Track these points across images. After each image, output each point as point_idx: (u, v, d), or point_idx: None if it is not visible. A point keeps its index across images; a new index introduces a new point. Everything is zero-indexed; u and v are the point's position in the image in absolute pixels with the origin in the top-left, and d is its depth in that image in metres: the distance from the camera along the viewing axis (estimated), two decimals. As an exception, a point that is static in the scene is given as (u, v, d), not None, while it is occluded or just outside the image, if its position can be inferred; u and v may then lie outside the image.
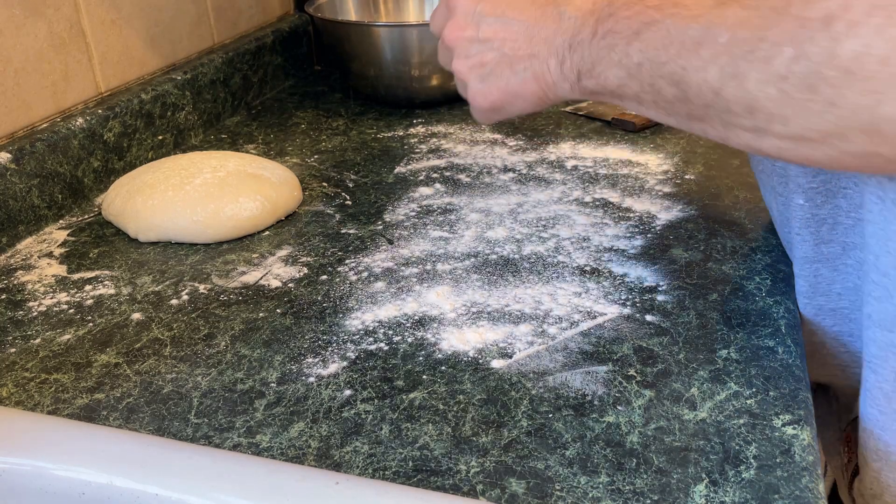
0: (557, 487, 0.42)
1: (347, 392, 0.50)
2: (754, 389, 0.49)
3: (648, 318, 0.56)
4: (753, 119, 0.41)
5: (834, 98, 0.37)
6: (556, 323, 0.56)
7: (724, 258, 0.63)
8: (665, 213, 0.71)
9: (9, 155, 0.69)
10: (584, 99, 0.53)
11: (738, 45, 0.39)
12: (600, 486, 0.42)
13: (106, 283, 0.64)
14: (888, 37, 0.34)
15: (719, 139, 0.44)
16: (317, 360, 0.53)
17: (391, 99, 1.01)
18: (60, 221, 0.74)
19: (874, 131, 0.37)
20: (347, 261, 0.66)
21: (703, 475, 0.43)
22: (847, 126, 0.37)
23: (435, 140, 0.90)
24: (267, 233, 0.71)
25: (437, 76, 0.97)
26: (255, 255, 0.67)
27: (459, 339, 0.55)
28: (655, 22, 0.44)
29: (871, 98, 0.36)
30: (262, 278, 0.63)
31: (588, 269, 0.63)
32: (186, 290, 0.62)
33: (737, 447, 0.44)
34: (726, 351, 0.53)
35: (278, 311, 0.59)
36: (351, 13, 1.14)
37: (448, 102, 1.01)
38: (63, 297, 0.62)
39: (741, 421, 0.46)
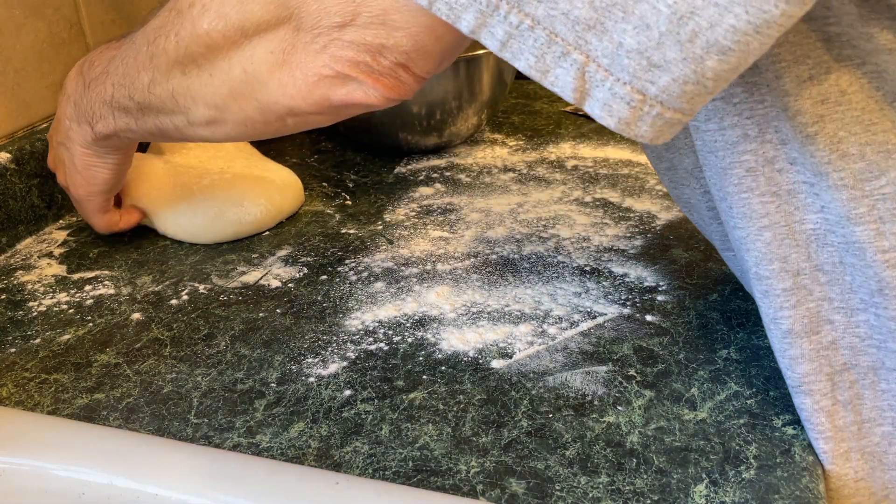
0: (557, 487, 0.42)
1: (347, 392, 0.50)
2: (754, 389, 0.49)
3: (648, 318, 0.56)
4: (177, 103, 0.48)
5: (210, 70, 0.45)
6: (556, 323, 0.56)
7: (724, 258, 0.63)
8: (665, 213, 0.71)
9: (9, 155, 0.69)
10: (109, 150, 0.60)
11: (150, 46, 0.48)
12: (600, 486, 0.42)
13: (106, 283, 0.64)
14: (222, 13, 0.43)
15: (180, 140, 0.53)
16: (317, 360, 0.53)
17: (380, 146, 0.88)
18: (60, 221, 0.74)
19: (236, 94, 0.45)
20: (347, 261, 0.66)
21: (704, 475, 0.43)
22: (222, 95, 0.45)
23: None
24: (267, 233, 0.71)
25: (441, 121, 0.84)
26: (255, 255, 0.67)
27: (459, 339, 0.55)
28: (114, 57, 0.52)
29: (227, 63, 0.44)
30: (262, 278, 0.63)
31: (588, 269, 0.63)
32: (186, 290, 0.62)
33: (737, 447, 0.44)
34: (726, 351, 0.53)
35: (278, 311, 0.59)
36: None
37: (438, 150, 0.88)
38: (63, 297, 0.62)
39: (741, 421, 0.46)
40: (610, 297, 0.59)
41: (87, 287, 0.63)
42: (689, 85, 0.34)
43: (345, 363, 0.53)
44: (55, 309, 0.60)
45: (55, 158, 0.65)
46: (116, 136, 0.57)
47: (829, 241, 0.42)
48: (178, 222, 0.68)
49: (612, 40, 0.34)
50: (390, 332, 0.56)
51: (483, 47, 0.81)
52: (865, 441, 0.44)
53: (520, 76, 1.08)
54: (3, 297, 0.62)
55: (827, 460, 0.44)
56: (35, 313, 0.60)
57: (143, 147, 0.85)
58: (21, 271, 0.66)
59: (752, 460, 0.44)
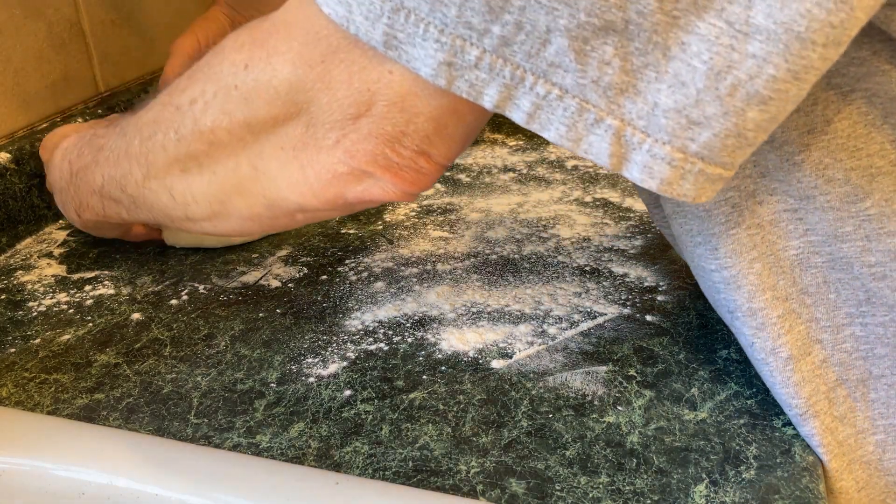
0: (557, 488, 0.42)
1: (347, 392, 0.50)
2: (755, 389, 0.49)
3: (648, 318, 0.56)
4: (174, 201, 0.46)
5: (213, 167, 0.43)
6: (556, 323, 0.56)
7: (724, 258, 0.63)
8: (665, 213, 0.71)
9: (9, 155, 0.69)
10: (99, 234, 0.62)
11: (145, 143, 0.46)
12: (600, 486, 0.42)
13: (106, 283, 0.64)
14: (226, 110, 0.41)
15: (180, 229, 0.52)
16: (317, 360, 0.53)
17: None
18: (60, 221, 0.74)
19: (242, 190, 0.43)
20: (347, 261, 0.66)
21: (704, 475, 0.43)
22: (227, 191, 0.43)
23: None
24: (267, 233, 0.71)
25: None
26: (255, 255, 0.67)
27: (459, 340, 0.55)
28: (103, 147, 0.51)
29: (233, 161, 0.42)
30: (262, 278, 0.63)
31: (588, 269, 0.63)
32: (186, 290, 0.62)
33: (737, 447, 0.44)
34: (726, 351, 0.53)
35: (278, 311, 0.59)
36: None
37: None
38: (63, 297, 0.62)
39: (741, 421, 0.46)
40: (610, 297, 0.59)
41: (87, 287, 0.63)
42: (731, 139, 0.34)
43: (345, 363, 0.53)
44: (55, 309, 0.60)
45: None
46: (106, 221, 0.56)
47: (813, 263, 0.43)
48: (191, 237, 0.68)
49: (646, 101, 0.33)
50: (390, 332, 0.56)
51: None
52: (862, 451, 0.45)
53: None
54: (3, 297, 0.62)
55: (835, 477, 0.45)
56: (35, 313, 0.60)
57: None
58: (21, 271, 0.66)
59: (752, 460, 0.44)
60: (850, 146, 0.40)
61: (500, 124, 0.94)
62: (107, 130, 0.53)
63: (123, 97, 0.82)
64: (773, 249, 0.43)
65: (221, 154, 0.42)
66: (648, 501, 0.41)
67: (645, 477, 0.43)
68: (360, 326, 0.57)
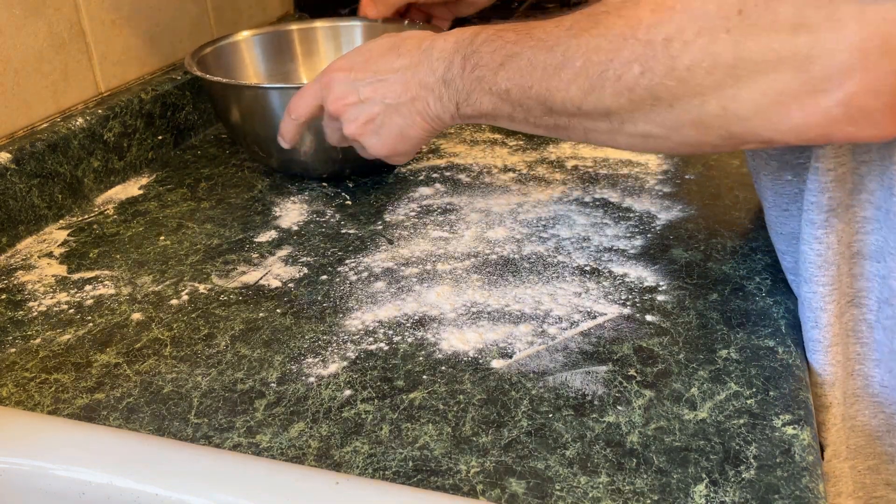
0: (557, 487, 0.42)
1: (347, 392, 0.50)
2: (754, 389, 0.49)
3: (648, 318, 0.56)
4: (609, 122, 0.49)
5: (672, 101, 0.45)
6: (556, 323, 0.56)
7: (724, 258, 0.63)
8: (665, 213, 0.71)
9: (9, 155, 0.69)
10: (467, 123, 0.61)
11: (593, 67, 0.47)
12: (600, 486, 0.42)
13: (106, 283, 0.64)
14: (710, 52, 0.42)
15: (580, 141, 0.52)
16: (317, 360, 0.53)
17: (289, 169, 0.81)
18: (60, 221, 0.74)
19: (700, 124, 0.45)
20: (347, 261, 0.66)
21: (704, 475, 0.43)
22: (681, 122, 0.46)
23: (434, 140, 0.90)
24: (267, 233, 0.71)
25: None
26: (255, 255, 0.67)
27: (459, 339, 0.55)
28: (516, 54, 0.52)
29: (699, 99, 0.44)
30: (262, 278, 0.63)
31: (588, 269, 0.63)
32: (186, 290, 0.62)
33: (737, 447, 0.45)
34: (726, 351, 0.53)
35: (278, 311, 0.59)
36: (248, 67, 0.90)
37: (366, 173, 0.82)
38: (63, 297, 0.62)
39: (741, 421, 0.46)
40: (610, 297, 0.59)
41: (87, 287, 0.63)
42: None
43: (345, 363, 0.53)
44: (55, 309, 0.60)
45: (346, 112, 0.62)
46: (477, 118, 0.57)
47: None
48: None
49: None
50: (390, 332, 0.56)
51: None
52: (862, 316, 0.52)
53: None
54: (3, 297, 0.62)
55: (829, 327, 0.52)
56: (35, 313, 0.60)
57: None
58: (21, 271, 0.66)
59: (752, 460, 0.44)
60: None
61: (500, 124, 0.94)
62: (502, 34, 0.53)
63: (123, 97, 0.82)
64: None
65: (689, 92, 0.44)
66: (648, 501, 0.41)
67: (645, 477, 0.43)
68: (360, 326, 0.57)
